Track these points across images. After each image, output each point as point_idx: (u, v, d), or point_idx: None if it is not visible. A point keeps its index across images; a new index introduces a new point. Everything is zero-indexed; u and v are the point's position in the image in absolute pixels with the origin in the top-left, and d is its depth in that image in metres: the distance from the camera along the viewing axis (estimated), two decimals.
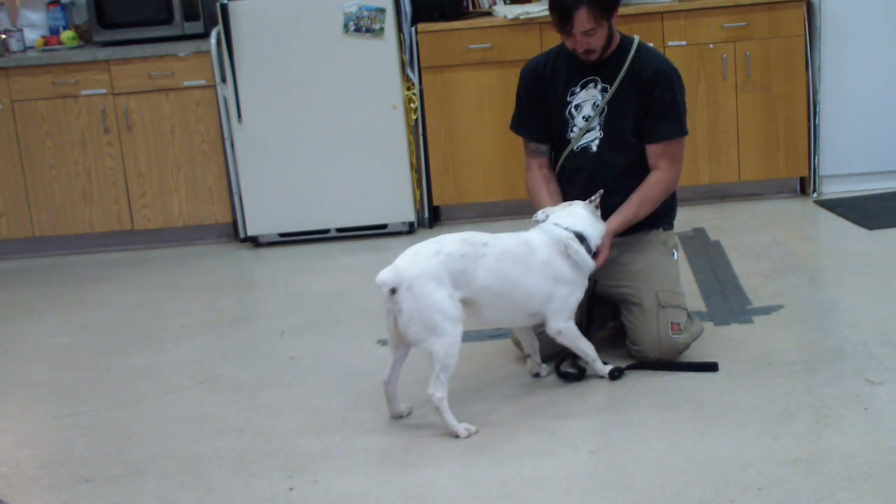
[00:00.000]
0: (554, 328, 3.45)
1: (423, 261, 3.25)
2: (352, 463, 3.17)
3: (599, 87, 3.71)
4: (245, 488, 3.08)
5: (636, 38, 3.75)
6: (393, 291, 3.21)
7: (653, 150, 3.72)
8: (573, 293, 3.46)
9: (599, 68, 3.70)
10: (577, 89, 3.74)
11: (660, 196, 3.72)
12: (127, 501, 3.08)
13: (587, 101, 3.73)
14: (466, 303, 3.32)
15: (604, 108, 3.70)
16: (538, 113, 3.82)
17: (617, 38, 3.71)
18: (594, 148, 3.73)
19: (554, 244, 3.44)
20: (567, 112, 3.75)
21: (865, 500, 2.71)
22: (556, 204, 3.66)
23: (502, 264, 3.35)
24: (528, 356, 3.65)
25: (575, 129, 3.75)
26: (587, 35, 3.57)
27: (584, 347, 3.52)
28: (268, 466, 3.19)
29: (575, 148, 3.76)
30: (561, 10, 3.55)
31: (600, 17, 3.55)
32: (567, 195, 3.75)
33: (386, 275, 3.22)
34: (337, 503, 2.96)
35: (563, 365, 3.61)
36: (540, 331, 3.61)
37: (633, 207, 3.68)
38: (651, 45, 3.89)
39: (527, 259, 3.40)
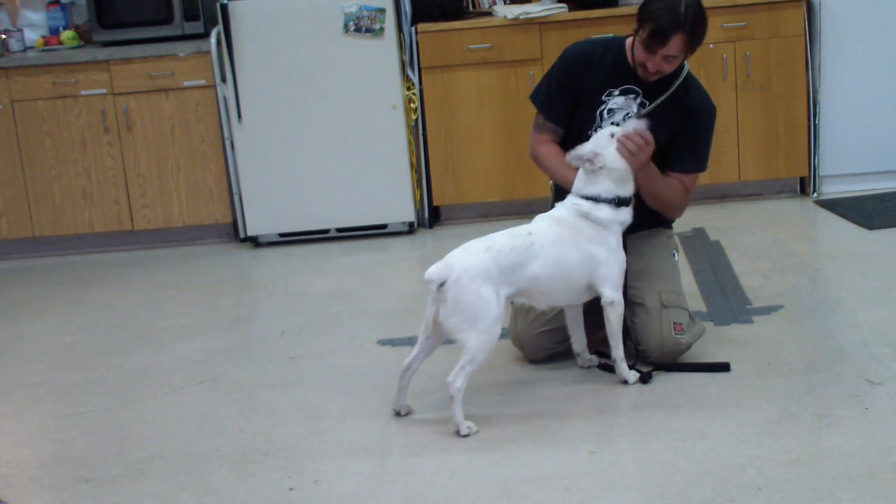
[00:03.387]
0: (608, 297, 3.44)
1: (474, 255, 3.29)
2: (352, 463, 3.17)
3: (639, 100, 3.64)
4: (245, 488, 3.08)
5: (686, 65, 3.67)
6: (441, 285, 3.22)
7: (672, 178, 3.66)
8: (615, 257, 3.45)
9: (644, 81, 3.62)
10: (616, 92, 3.65)
11: (673, 197, 3.64)
12: (127, 501, 3.08)
13: (621, 110, 3.65)
14: (521, 293, 3.36)
15: None
16: (569, 97, 3.70)
17: None
18: None
19: (574, 212, 3.45)
20: (598, 112, 3.67)
21: (865, 500, 2.71)
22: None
23: (550, 250, 3.38)
24: (579, 354, 3.67)
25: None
26: (668, 60, 3.49)
27: (619, 341, 3.51)
28: (268, 466, 3.19)
29: None
30: (659, 29, 3.41)
31: (689, 48, 3.50)
32: None
33: (435, 270, 3.24)
34: (337, 503, 2.96)
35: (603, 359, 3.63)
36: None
37: (660, 178, 3.59)
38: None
39: (566, 236, 3.42)
